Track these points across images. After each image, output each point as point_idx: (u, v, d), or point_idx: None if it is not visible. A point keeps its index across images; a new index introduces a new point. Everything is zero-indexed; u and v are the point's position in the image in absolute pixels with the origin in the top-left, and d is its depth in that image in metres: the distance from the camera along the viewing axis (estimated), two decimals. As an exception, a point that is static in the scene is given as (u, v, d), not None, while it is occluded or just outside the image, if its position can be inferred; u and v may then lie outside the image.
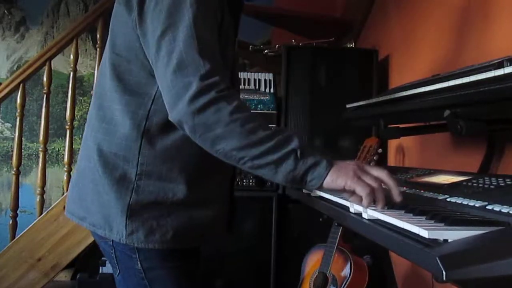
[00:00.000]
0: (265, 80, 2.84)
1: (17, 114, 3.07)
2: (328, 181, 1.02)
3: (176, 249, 1.13)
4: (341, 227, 2.07)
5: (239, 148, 1.00)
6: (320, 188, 1.04)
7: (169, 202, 1.10)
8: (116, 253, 1.14)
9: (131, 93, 1.10)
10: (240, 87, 2.77)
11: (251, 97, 2.75)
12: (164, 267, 1.13)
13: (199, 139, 1.02)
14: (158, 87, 1.08)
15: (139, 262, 1.12)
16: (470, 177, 1.13)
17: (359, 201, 1.01)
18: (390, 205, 0.99)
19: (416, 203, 1.02)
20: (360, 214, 0.97)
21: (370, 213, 0.94)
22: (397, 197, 1.00)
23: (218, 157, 1.04)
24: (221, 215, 1.23)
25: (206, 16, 1.05)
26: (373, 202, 0.99)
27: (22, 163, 3.19)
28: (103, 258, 3.25)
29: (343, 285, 2.03)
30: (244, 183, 2.67)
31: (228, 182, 1.26)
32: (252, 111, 1.07)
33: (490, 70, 1.01)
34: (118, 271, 1.17)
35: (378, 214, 0.91)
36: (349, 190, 1.02)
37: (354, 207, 1.00)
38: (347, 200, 1.05)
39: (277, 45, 3.07)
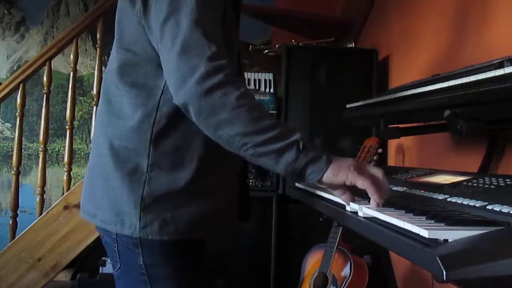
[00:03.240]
0: (265, 80, 2.84)
1: (17, 114, 3.07)
2: (329, 176, 1.02)
3: (183, 244, 1.13)
4: (341, 227, 2.07)
5: (243, 134, 0.99)
6: (319, 182, 1.04)
7: (181, 192, 1.10)
8: (118, 247, 1.14)
9: (140, 86, 1.11)
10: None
11: (251, 97, 2.74)
12: (166, 265, 1.13)
13: (203, 122, 1.01)
14: None
15: (141, 258, 1.12)
16: (470, 177, 1.13)
17: (349, 200, 1.03)
18: (390, 204, 1.00)
19: (416, 203, 1.02)
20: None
21: (365, 211, 0.95)
22: (378, 199, 0.99)
23: (220, 143, 1.03)
24: (234, 202, 1.24)
25: (209, 6, 1.06)
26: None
27: (22, 163, 3.18)
28: (103, 258, 3.25)
29: (343, 285, 2.03)
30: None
31: (239, 170, 1.26)
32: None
33: (490, 70, 1.01)
34: (118, 265, 1.17)
35: (374, 212, 0.92)
36: (345, 185, 1.03)
37: (353, 207, 1.01)
38: (339, 197, 1.06)
39: (277, 45, 3.07)
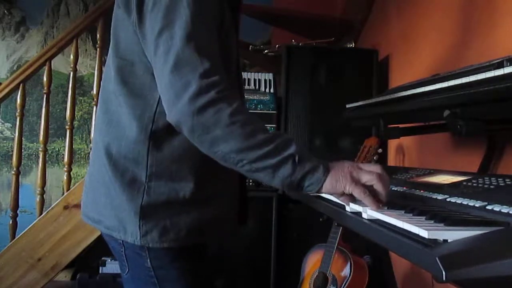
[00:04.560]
0: (265, 80, 2.84)
1: (17, 114, 3.07)
2: (328, 187, 1.02)
3: (187, 248, 1.14)
4: (341, 227, 2.07)
5: (238, 151, 0.99)
6: (318, 192, 1.04)
7: (180, 201, 1.10)
8: (126, 251, 1.15)
9: (136, 96, 1.11)
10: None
11: (251, 97, 2.75)
12: (174, 267, 1.14)
13: (197, 140, 1.01)
14: None
15: (149, 260, 1.12)
16: (470, 177, 1.13)
17: (349, 201, 1.03)
18: (390, 205, 1.00)
19: (416, 203, 1.02)
20: (360, 214, 0.97)
21: (369, 213, 0.94)
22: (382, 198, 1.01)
23: (216, 160, 1.03)
24: (232, 209, 1.24)
25: (204, 15, 1.05)
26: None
27: (22, 163, 3.18)
28: (103, 258, 3.26)
29: (343, 285, 2.03)
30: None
31: (238, 176, 1.25)
32: (251, 112, 1.06)
33: (490, 70, 1.01)
34: (127, 269, 1.18)
35: (378, 214, 0.92)
36: (348, 194, 1.03)
37: (353, 207, 1.02)
38: (338, 199, 1.07)
39: (277, 45, 3.07)
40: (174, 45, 1.00)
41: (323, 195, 1.21)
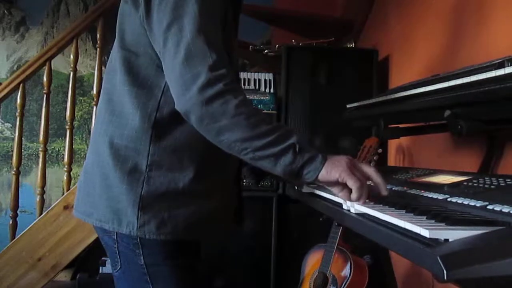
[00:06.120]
0: (265, 80, 2.84)
1: (17, 114, 3.07)
2: (323, 174, 1.06)
3: (182, 244, 1.15)
4: (341, 227, 2.07)
5: (243, 140, 1.04)
6: (316, 180, 1.07)
7: (180, 192, 1.12)
8: (119, 247, 1.15)
9: (141, 86, 1.13)
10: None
11: (251, 97, 2.74)
12: (167, 264, 1.15)
13: (204, 129, 1.05)
14: None
15: (142, 257, 1.13)
16: (470, 177, 1.13)
17: (348, 197, 1.07)
18: (391, 204, 1.00)
19: (416, 203, 1.03)
20: (361, 214, 0.98)
21: (357, 208, 0.98)
22: (384, 192, 1.08)
23: (221, 147, 1.07)
24: (230, 205, 1.26)
25: (211, 10, 1.08)
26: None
27: (22, 163, 3.18)
28: (103, 258, 3.25)
29: (343, 285, 2.03)
30: (244, 183, 2.67)
31: (235, 173, 1.28)
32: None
33: (491, 70, 1.01)
34: (119, 266, 1.18)
35: (365, 208, 0.93)
36: (342, 182, 1.06)
37: (349, 205, 1.03)
38: (336, 195, 1.10)
39: (277, 45, 3.06)
40: (184, 38, 1.04)
41: (323, 194, 1.22)
